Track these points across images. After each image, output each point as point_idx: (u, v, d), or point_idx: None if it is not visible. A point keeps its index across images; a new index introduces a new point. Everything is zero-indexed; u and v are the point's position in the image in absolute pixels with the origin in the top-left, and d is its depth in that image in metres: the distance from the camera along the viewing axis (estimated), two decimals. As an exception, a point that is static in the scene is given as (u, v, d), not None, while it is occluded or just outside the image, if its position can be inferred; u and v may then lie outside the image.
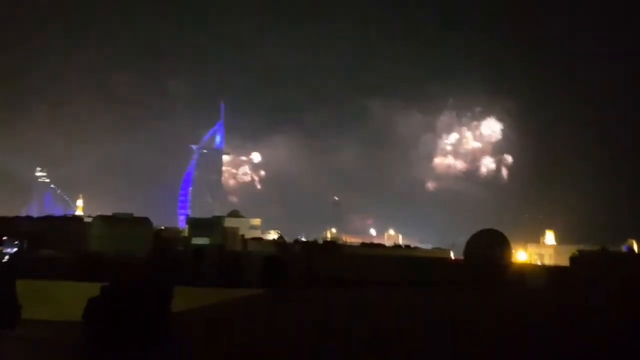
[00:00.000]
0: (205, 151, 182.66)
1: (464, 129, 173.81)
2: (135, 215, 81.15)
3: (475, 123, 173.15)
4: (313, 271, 52.06)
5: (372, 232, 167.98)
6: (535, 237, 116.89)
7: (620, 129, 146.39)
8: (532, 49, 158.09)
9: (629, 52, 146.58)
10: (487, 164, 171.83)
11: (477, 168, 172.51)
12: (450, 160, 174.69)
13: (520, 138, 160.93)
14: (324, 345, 20.88)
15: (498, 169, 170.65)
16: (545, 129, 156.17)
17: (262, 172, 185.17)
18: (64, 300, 28.86)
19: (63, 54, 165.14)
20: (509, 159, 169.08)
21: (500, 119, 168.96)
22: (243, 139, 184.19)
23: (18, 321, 16.73)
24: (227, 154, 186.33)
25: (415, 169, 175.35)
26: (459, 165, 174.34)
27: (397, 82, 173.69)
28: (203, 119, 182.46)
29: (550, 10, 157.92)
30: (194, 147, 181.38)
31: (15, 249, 64.00)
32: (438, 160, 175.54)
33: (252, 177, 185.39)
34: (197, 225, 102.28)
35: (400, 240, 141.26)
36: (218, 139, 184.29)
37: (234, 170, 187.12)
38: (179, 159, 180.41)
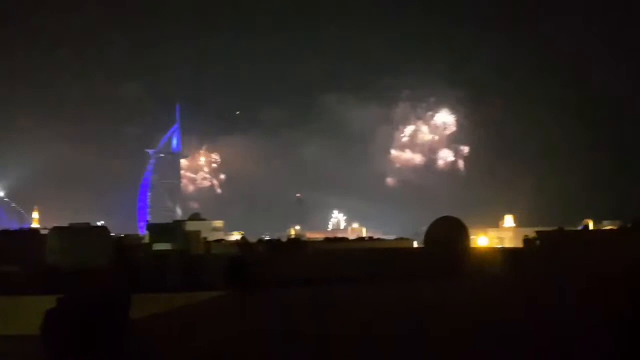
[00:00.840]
0: (162, 155, 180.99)
1: (420, 123, 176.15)
2: (93, 224, 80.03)
3: (430, 113, 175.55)
4: (278, 270, 52.02)
5: (335, 218, 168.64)
6: (495, 222, 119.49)
7: (572, 113, 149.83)
8: (484, 36, 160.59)
9: (584, 38, 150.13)
10: (444, 156, 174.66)
11: (434, 161, 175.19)
12: (407, 154, 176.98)
13: (475, 127, 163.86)
14: (291, 345, 20.97)
15: (455, 160, 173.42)
16: (498, 116, 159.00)
17: (222, 176, 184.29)
18: (22, 314, 28.39)
19: (10, 58, 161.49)
20: (465, 150, 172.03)
21: (453, 109, 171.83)
22: (200, 141, 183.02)
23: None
24: (185, 156, 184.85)
25: (375, 162, 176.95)
26: (417, 158, 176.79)
27: (351, 76, 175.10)
28: (158, 122, 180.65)
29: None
30: (150, 151, 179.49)
31: None
32: (395, 153, 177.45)
33: (211, 182, 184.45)
34: (158, 230, 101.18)
35: (364, 233, 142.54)
36: (175, 142, 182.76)
37: (192, 175, 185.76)
38: (135, 164, 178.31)
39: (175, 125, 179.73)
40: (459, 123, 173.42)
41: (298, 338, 21.74)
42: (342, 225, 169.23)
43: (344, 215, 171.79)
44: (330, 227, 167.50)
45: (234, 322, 26.33)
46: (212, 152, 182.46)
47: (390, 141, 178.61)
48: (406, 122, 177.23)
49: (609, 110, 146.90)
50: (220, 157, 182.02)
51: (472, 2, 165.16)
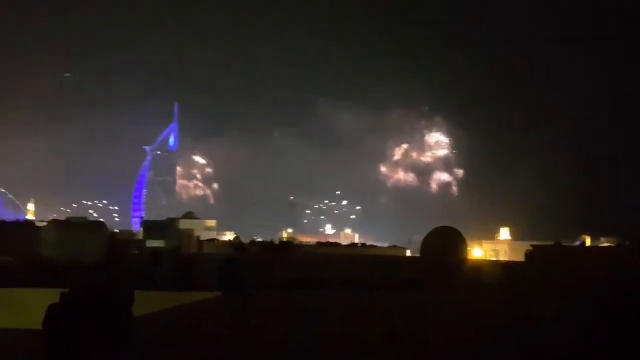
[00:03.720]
0: (159, 153, 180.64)
1: (413, 141, 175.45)
2: (90, 219, 79.94)
3: (423, 122, 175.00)
4: (270, 272, 51.85)
5: (328, 228, 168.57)
6: (490, 235, 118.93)
7: (570, 125, 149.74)
8: (482, 47, 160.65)
9: (578, 48, 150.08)
10: (438, 178, 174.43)
11: (428, 184, 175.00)
12: (400, 174, 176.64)
13: (472, 138, 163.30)
14: (283, 347, 20.87)
15: (450, 182, 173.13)
16: (495, 128, 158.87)
17: (215, 185, 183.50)
18: (21, 307, 28.21)
19: (7, 52, 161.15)
20: (459, 172, 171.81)
21: (448, 118, 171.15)
22: (194, 141, 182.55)
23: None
24: (180, 156, 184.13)
25: (368, 169, 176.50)
26: (410, 178, 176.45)
27: (346, 81, 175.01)
28: (157, 120, 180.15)
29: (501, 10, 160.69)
30: (147, 148, 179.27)
31: None
32: (388, 172, 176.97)
33: (204, 192, 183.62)
34: (152, 227, 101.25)
35: (357, 239, 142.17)
36: (172, 140, 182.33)
37: (186, 183, 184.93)
38: (132, 160, 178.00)
39: (174, 124, 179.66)
40: (453, 138, 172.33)
41: (288, 341, 21.67)
42: (330, 230, 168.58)
43: (338, 220, 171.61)
44: (324, 231, 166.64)
45: (227, 324, 26.14)
46: (205, 153, 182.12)
47: (384, 148, 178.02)
48: (399, 131, 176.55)
49: (608, 126, 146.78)
50: (213, 158, 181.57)
51: (465, 12, 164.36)
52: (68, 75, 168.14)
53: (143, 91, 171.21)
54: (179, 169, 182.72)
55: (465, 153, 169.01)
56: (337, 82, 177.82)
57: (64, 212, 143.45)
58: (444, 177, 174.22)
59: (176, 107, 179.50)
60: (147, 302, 28.79)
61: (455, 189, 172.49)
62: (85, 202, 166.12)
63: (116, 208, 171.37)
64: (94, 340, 12.60)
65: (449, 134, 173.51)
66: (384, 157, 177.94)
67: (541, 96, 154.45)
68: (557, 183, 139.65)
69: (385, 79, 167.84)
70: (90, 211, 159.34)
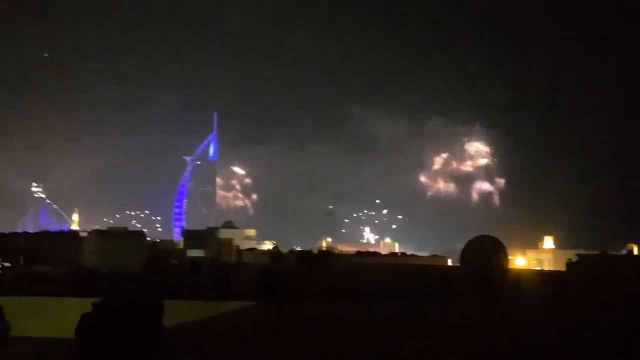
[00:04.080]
0: (198, 163, 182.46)
1: (451, 154, 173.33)
2: (131, 229, 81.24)
3: (462, 129, 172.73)
4: (309, 282, 51.65)
5: (367, 232, 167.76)
6: (534, 243, 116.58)
7: (616, 133, 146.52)
8: (517, 52, 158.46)
9: (624, 54, 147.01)
10: (479, 187, 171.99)
11: (469, 193, 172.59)
12: (440, 183, 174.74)
13: (514, 145, 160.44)
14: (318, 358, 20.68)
15: (491, 192, 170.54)
16: (537, 134, 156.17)
17: (254, 196, 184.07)
18: (57, 316, 28.50)
19: (53, 65, 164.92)
20: (500, 181, 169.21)
21: (488, 125, 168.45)
22: (233, 151, 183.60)
23: (5, 339, 16.39)
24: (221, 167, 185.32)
25: (407, 178, 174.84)
26: (450, 188, 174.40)
27: (383, 89, 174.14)
28: (196, 130, 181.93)
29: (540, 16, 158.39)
30: (187, 158, 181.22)
31: None
32: (428, 181, 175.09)
33: (244, 202, 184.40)
34: (192, 237, 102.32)
35: (397, 248, 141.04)
36: (211, 150, 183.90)
37: (226, 193, 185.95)
38: (173, 170, 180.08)
39: (213, 134, 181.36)
40: (494, 145, 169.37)
41: (322, 352, 21.44)
42: (372, 238, 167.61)
43: (377, 229, 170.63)
44: (364, 241, 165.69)
45: (263, 333, 25.91)
46: (244, 162, 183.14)
47: (423, 157, 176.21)
48: (438, 139, 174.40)
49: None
50: (252, 168, 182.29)
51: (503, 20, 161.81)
52: (46, 55, 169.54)
53: (183, 101, 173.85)
54: (218, 179, 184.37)
55: (506, 161, 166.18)
56: (375, 90, 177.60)
57: (107, 223, 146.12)
58: (484, 186, 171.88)
59: (215, 116, 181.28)
60: (182, 311, 28.90)
61: (496, 197, 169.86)
62: (128, 212, 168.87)
63: (158, 218, 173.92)
64: (123, 349, 12.53)
65: (489, 142, 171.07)
66: (423, 166, 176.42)
67: (583, 101, 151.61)
68: (601, 190, 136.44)
69: (425, 87, 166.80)
70: (133, 221, 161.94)
